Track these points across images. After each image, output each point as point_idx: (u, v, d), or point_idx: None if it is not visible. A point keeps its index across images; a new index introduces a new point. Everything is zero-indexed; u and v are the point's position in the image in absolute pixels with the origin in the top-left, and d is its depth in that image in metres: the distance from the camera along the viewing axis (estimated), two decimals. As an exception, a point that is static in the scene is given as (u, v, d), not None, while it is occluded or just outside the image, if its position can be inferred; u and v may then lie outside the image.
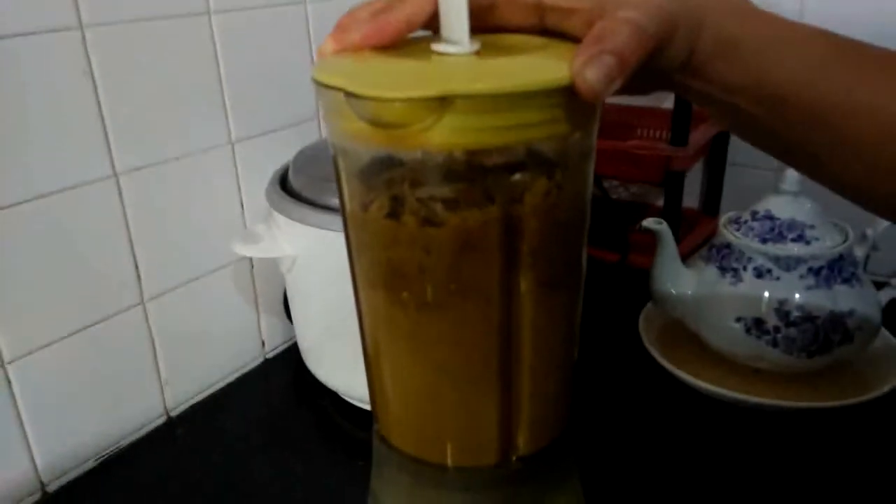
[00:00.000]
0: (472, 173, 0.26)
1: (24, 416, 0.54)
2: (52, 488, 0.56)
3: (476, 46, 0.28)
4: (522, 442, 0.32)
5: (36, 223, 0.52)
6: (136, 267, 0.59)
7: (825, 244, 0.61)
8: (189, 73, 0.60)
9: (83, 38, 0.52)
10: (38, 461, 0.55)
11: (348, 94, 0.25)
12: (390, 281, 0.29)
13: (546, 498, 0.35)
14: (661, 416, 0.62)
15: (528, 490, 0.34)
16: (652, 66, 0.28)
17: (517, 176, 0.27)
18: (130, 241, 0.58)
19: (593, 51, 0.25)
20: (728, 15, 0.29)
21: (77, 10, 0.51)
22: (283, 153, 0.64)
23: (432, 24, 0.29)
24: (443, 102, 0.24)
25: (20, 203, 0.50)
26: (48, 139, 0.51)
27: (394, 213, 0.28)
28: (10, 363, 0.52)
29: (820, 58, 0.30)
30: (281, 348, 0.75)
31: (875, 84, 0.30)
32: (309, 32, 0.70)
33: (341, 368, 0.61)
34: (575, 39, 0.28)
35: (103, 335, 0.58)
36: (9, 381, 0.52)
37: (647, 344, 0.66)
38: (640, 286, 0.68)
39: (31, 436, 0.55)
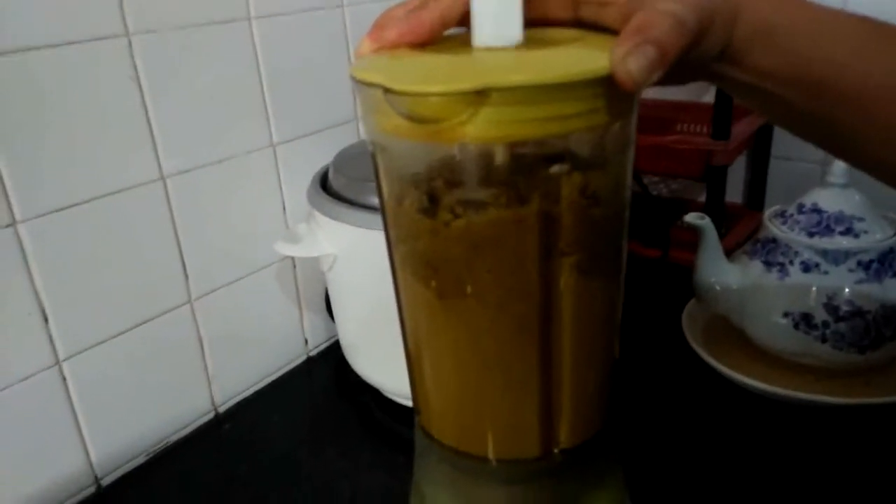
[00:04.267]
0: (510, 167, 0.26)
1: (79, 413, 0.56)
2: (105, 482, 0.58)
3: (521, 39, 0.28)
4: (564, 435, 0.32)
5: (87, 225, 0.54)
6: (184, 266, 0.61)
7: (875, 237, 0.59)
8: (231, 78, 0.62)
9: (129, 45, 0.54)
10: (92, 456, 0.57)
11: (386, 90, 0.25)
12: (428, 274, 0.30)
13: (589, 491, 0.35)
14: (705, 413, 0.61)
15: (571, 483, 0.34)
16: (690, 56, 0.28)
17: (555, 168, 0.27)
18: (178, 241, 0.60)
19: (635, 41, 0.25)
20: (763, 2, 0.29)
21: (123, 18, 0.53)
22: (323, 154, 0.65)
23: (466, 20, 0.29)
24: (479, 95, 0.24)
25: (71, 206, 0.52)
26: (98, 144, 0.53)
27: (429, 209, 0.28)
28: (65, 360, 0.54)
29: (857, 41, 0.29)
30: (323, 346, 0.76)
31: None
32: (346, 36, 0.71)
33: (382, 365, 0.61)
34: (610, 31, 0.28)
35: (153, 333, 0.60)
36: (64, 378, 0.54)
37: (690, 340, 0.65)
38: (682, 282, 0.67)
39: (86, 432, 0.57)
